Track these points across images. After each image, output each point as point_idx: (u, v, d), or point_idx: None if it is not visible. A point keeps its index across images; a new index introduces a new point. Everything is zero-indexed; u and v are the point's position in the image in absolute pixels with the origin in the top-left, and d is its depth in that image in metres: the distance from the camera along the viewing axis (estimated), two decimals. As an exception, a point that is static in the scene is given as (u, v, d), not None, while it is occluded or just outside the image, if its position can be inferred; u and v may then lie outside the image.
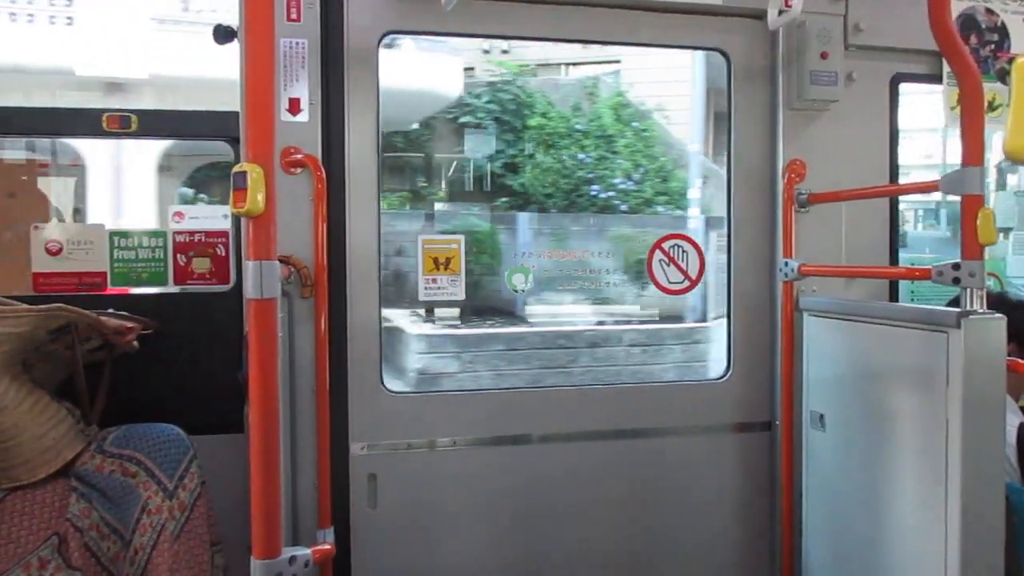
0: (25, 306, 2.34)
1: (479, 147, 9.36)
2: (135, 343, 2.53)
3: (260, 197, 1.67)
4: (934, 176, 2.37)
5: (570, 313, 6.04)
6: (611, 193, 8.75)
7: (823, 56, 2.73)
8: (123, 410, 2.47)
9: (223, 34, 2.63)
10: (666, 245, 2.89)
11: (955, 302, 2.47)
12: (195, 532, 2.34)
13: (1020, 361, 2.31)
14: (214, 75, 6.86)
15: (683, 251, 2.90)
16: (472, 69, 10.05)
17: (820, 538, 2.76)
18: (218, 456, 2.49)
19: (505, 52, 9.85)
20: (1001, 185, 9.94)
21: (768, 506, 2.92)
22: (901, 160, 2.96)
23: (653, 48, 3.03)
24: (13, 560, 2.20)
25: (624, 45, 3.03)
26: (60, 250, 2.60)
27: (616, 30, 2.81)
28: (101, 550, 2.28)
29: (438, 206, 9.37)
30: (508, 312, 6.27)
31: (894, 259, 2.98)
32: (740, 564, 2.92)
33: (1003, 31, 2.98)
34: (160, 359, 2.60)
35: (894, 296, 3.04)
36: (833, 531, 2.70)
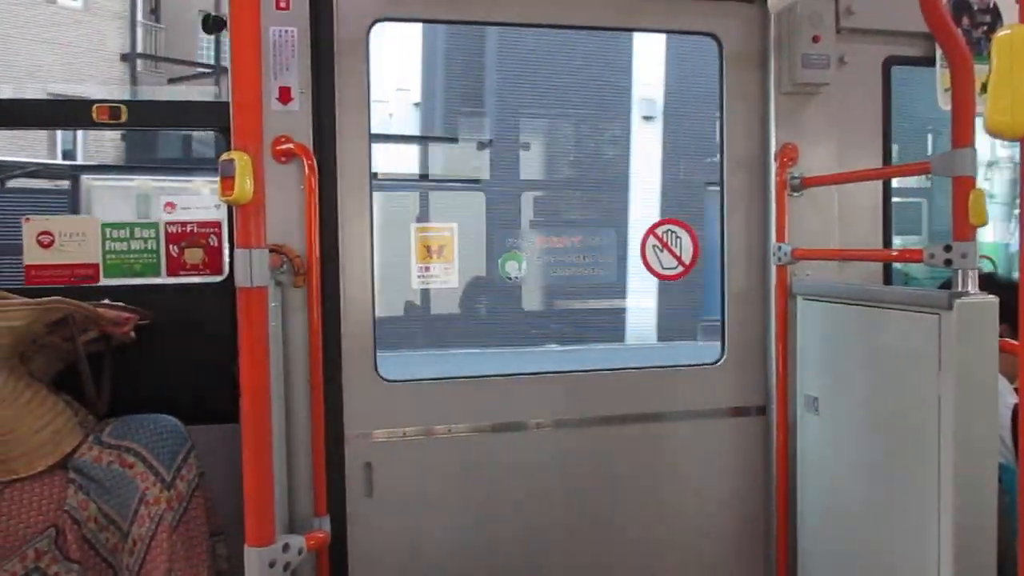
0: (22, 299, 2.34)
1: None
2: (132, 333, 2.53)
3: (248, 185, 1.67)
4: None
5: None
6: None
7: (815, 39, 2.73)
8: (120, 401, 2.48)
9: (213, 24, 2.63)
10: (659, 231, 2.89)
11: (948, 284, 2.47)
12: (193, 522, 2.35)
13: (1013, 342, 2.31)
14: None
15: (676, 236, 2.90)
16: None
17: (815, 520, 2.77)
18: (217, 446, 2.50)
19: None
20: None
21: (763, 488, 2.93)
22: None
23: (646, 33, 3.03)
24: (11, 552, 2.21)
25: (618, 30, 3.02)
26: (52, 243, 2.59)
27: (610, 15, 2.82)
28: (99, 541, 2.29)
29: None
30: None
31: (887, 242, 2.98)
32: (736, 545, 2.94)
33: (995, 12, 2.96)
34: (156, 350, 2.60)
35: (888, 279, 3.04)
36: (828, 513, 2.71)
